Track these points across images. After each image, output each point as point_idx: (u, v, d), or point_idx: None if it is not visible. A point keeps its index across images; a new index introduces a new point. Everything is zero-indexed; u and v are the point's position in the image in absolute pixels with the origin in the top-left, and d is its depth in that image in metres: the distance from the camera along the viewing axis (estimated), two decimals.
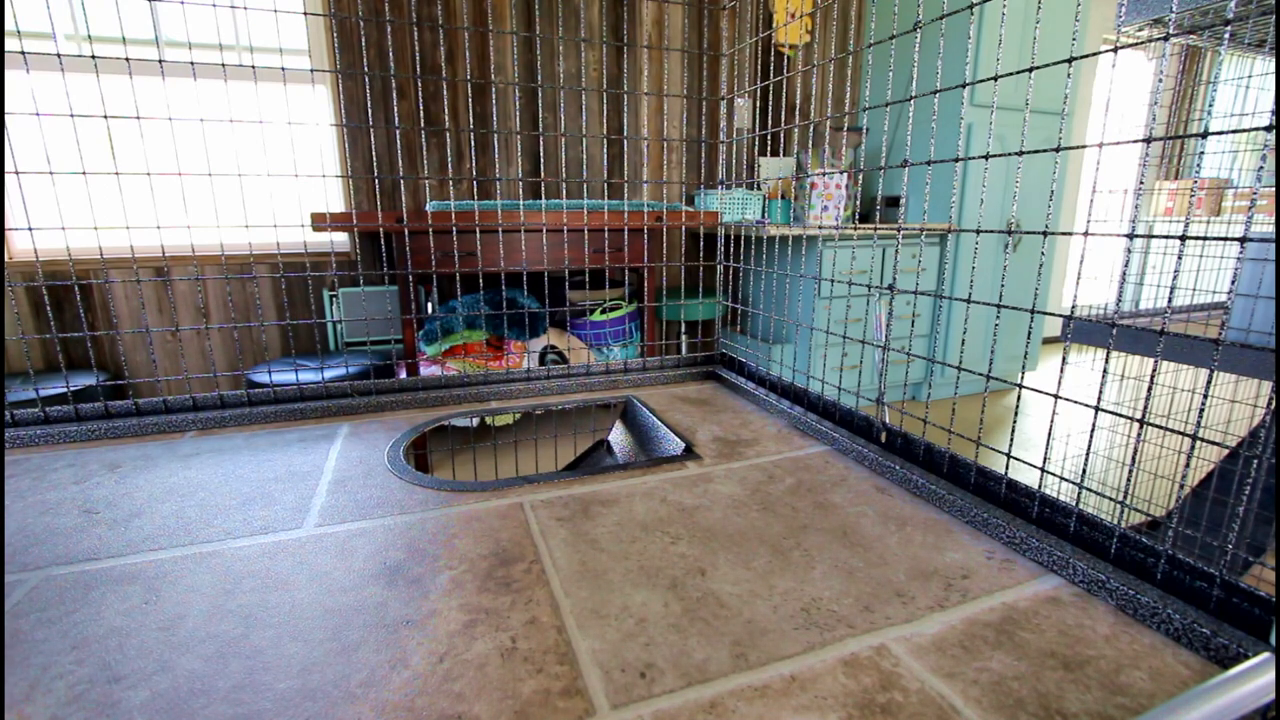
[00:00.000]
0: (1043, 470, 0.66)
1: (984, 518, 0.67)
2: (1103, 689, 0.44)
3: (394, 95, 2.56)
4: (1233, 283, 0.49)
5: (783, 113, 3.24)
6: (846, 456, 0.86)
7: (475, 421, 1.19)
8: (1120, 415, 0.57)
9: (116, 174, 0.92)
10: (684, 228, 3.04)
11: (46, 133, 2.20)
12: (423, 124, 2.60)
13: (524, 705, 0.41)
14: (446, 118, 2.62)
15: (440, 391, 1.11)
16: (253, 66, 0.94)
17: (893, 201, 3.13)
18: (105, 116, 0.89)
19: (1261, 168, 0.46)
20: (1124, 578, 0.57)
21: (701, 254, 2.69)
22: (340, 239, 2.62)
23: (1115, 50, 0.59)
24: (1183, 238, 0.52)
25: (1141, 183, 0.57)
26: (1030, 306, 2.56)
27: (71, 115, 0.87)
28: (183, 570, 0.57)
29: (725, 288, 3.21)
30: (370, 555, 0.60)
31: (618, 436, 1.20)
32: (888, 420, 0.85)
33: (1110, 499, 0.63)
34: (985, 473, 0.71)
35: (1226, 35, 0.50)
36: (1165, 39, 0.52)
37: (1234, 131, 0.46)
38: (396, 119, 2.56)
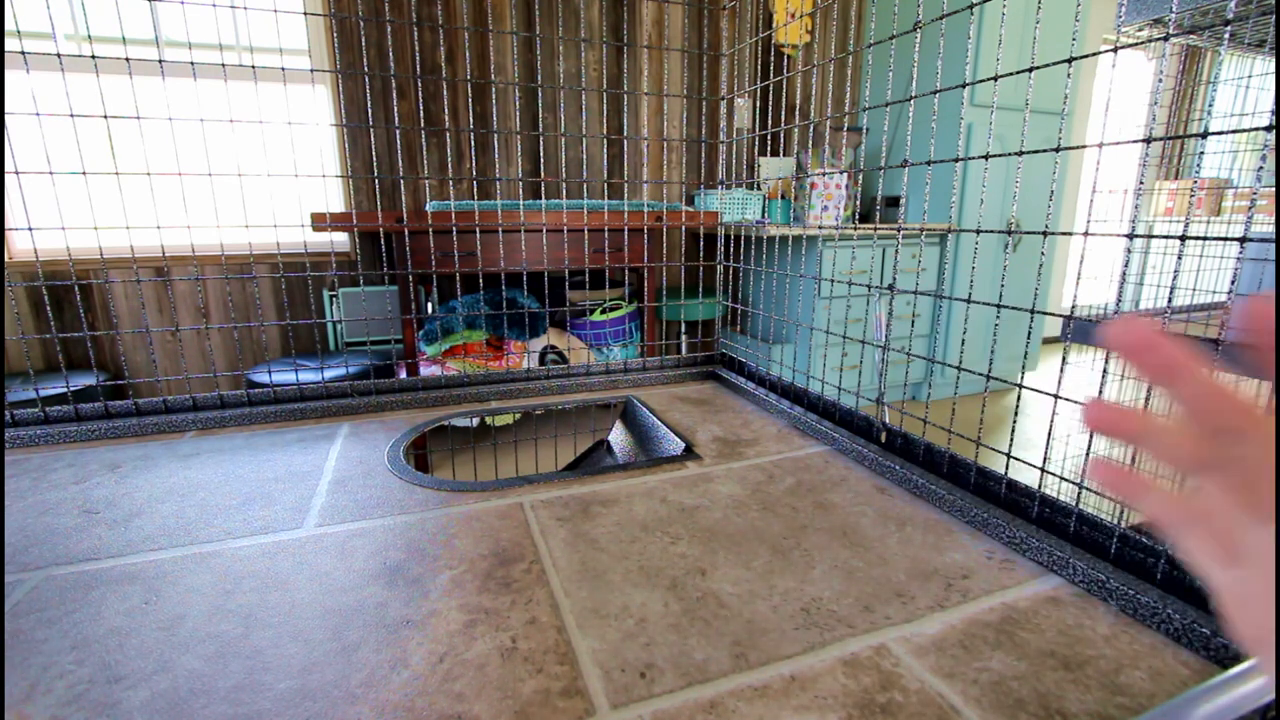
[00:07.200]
0: (1043, 470, 0.66)
1: (984, 518, 0.67)
2: (1103, 689, 0.44)
3: (394, 95, 2.56)
4: (1233, 283, 0.49)
5: (783, 113, 3.24)
6: (846, 456, 0.86)
7: (475, 421, 1.19)
8: None
9: (116, 174, 0.92)
10: (684, 228, 3.04)
11: (46, 133, 2.20)
12: (423, 124, 2.60)
13: (524, 705, 0.41)
14: (446, 118, 2.62)
15: (440, 391, 1.11)
16: (253, 66, 0.94)
17: (893, 201, 3.13)
18: (105, 116, 0.89)
19: (1261, 168, 0.46)
20: (1124, 578, 0.57)
21: (701, 254, 2.69)
22: (340, 239, 2.62)
23: (1115, 50, 0.59)
24: (1183, 238, 0.52)
25: (1141, 183, 0.57)
26: (1030, 306, 2.56)
27: (71, 115, 0.87)
28: (183, 570, 0.57)
29: (725, 288, 3.21)
30: (370, 555, 0.60)
31: (618, 436, 1.20)
32: (888, 420, 0.85)
33: (1110, 499, 0.63)
34: (985, 473, 0.71)
35: (1226, 35, 0.50)
36: (1165, 39, 0.52)
37: (1234, 131, 0.46)
38: (396, 119, 2.56)
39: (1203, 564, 0.25)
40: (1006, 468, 0.68)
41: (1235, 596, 0.24)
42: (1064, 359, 0.62)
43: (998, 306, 0.66)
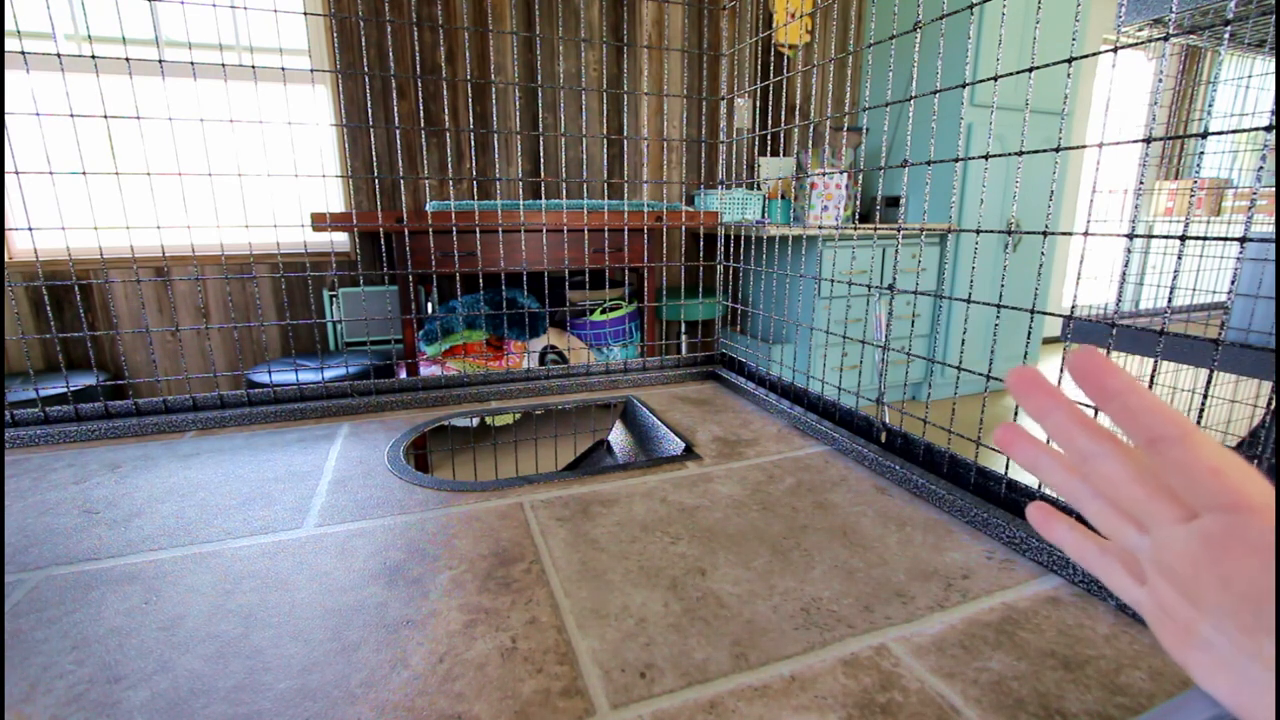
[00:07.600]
0: None
1: (984, 518, 0.67)
2: (1103, 689, 0.44)
3: (394, 95, 2.56)
4: (1233, 283, 0.49)
5: (783, 113, 3.24)
6: (846, 456, 0.86)
7: (475, 421, 1.19)
8: None
9: (116, 174, 0.92)
10: (684, 228, 3.04)
11: (46, 133, 2.20)
12: (423, 124, 2.60)
13: (524, 705, 0.41)
14: (446, 118, 2.62)
15: (440, 391, 1.11)
16: (253, 66, 0.94)
17: (893, 201, 3.13)
18: (105, 116, 0.89)
19: (1261, 168, 0.46)
20: None
21: (701, 254, 2.69)
22: (340, 239, 2.62)
23: (1115, 50, 0.59)
24: (1183, 238, 0.52)
25: (1141, 183, 0.57)
26: (1030, 306, 2.56)
27: (71, 115, 0.87)
28: (183, 570, 0.57)
29: (725, 288, 3.21)
30: (370, 555, 0.60)
31: (618, 436, 1.20)
32: (888, 420, 0.85)
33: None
34: (985, 473, 0.71)
35: (1226, 35, 0.50)
36: (1165, 39, 0.52)
37: (1234, 131, 0.46)
38: (396, 119, 2.56)
39: (1119, 588, 0.26)
40: (1006, 468, 0.68)
41: (1150, 609, 0.25)
42: (1064, 359, 0.62)
43: (998, 306, 0.66)
